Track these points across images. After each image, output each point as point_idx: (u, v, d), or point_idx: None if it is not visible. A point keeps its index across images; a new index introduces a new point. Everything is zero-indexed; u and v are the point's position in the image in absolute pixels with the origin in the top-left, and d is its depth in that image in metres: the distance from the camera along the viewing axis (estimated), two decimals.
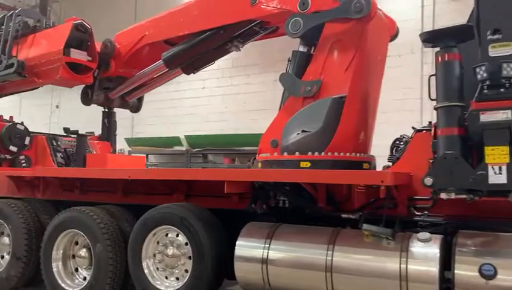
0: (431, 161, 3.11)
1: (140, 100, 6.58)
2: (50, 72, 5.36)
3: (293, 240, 3.41)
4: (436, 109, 3.17)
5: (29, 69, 5.52)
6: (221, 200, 4.26)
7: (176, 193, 4.47)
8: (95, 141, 6.23)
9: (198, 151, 12.42)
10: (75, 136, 5.92)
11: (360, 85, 4.07)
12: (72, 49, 5.35)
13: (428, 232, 3.10)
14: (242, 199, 4.17)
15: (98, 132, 6.44)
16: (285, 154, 3.99)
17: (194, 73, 5.64)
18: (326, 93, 4.04)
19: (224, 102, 13.71)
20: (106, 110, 6.56)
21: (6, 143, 5.21)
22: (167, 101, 15.19)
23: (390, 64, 11.91)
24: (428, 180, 2.96)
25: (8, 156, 5.22)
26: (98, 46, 5.72)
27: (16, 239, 4.74)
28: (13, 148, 5.26)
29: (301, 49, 4.38)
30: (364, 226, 3.19)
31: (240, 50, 5.20)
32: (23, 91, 6.42)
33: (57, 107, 16.18)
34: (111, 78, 6.02)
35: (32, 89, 6.38)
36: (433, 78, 3.40)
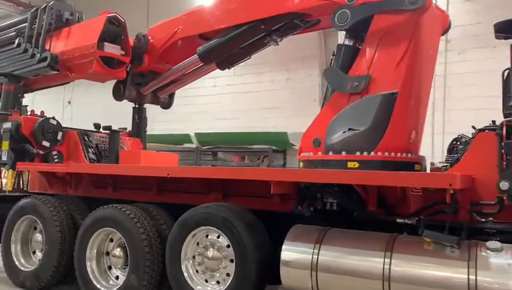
0: (504, 163, 2.80)
1: (171, 96, 6.37)
2: (83, 66, 5.16)
3: (345, 245, 3.14)
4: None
5: (62, 63, 5.33)
6: (262, 200, 4.01)
7: (214, 192, 4.23)
8: (126, 137, 6.03)
9: (208, 148, 12.20)
10: (105, 131, 5.75)
11: (413, 81, 3.77)
12: (105, 43, 5.15)
13: (497, 240, 2.81)
14: (284, 200, 3.91)
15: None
16: (331, 153, 3.73)
17: (229, 68, 5.40)
18: (375, 89, 3.76)
19: (235, 100, 13.47)
20: (137, 106, 6.36)
21: (39, 138, 5.02)
22: (178, 98, 14.83)
23: None
24: (504, 185, 2.67)
25: (40, 151, 5.04)
26: (131, 40, 5.52)
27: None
28: (46, 144, 5.07)
29: (347, 42, 4.10)
30: (426, 232, 2.91)
31: (278, 44, 4.93)
32: (54, 86, 6.26)
33: (69, 103, 16.09)
34: (143, 73, 5.81)
35: (64, 84, 6.21)
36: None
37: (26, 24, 5.72)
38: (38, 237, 4.77)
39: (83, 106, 15.33)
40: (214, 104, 13.60)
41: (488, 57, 10.77)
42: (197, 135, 12.64)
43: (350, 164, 3.64)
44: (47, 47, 5.34)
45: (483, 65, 10.63)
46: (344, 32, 4.16)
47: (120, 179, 4.81)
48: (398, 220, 3.23)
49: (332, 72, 4.04)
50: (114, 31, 5.28)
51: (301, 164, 4.00)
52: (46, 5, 5.55)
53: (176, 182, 4.44)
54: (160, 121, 13.76)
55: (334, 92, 3.99)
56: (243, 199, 4.08)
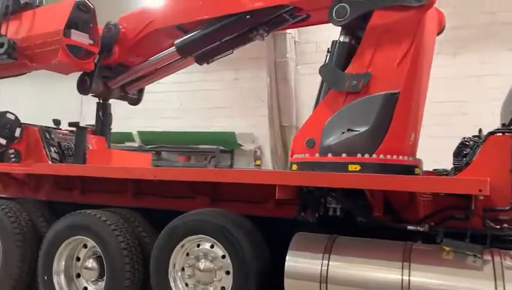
0: None
1: (141, 92, 5.84)
2: (46, 55, 4.54)
3: (357, 255, 2.85)
4: None
5: (21, 51, 4.67)
6: (254, 206, 3.66)
7: (200, 196, 3.81)
8: (90, 135, 5.44)
9: (152, 148, 11.68)
10: (69, 129, 5.14)
11: (414, 81, 3.56)
12: (72, 30, 4.57)
13: None
14: (279, 205, 3.58)
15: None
16: (330, 155, 3.44)
17: (208, 63, 4.97)
18: (375, 89, 3.51)
19: (180, 98, 12.96)
20: (101, 101, 5.77)
21: None
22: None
23: None
24: None
25: None
26: (100, 30, 4.96)
27: (6, 246, 3.93)
28: (2, 141, 4.42)
29: (342, 39, 3.83)
30: (446, 241, 2.68)
31: (263, 39, 4.59)
32: (8, 76, 5.52)
33: None
34: (111, 66, 5.26)
35: (21, 74, 5.50)
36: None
37: None
38: None
39: (12, 100, 14.07)
40: (158, 102, 12.61)
41: (449, 64, 10.92)
42: (140, 133, 12.02)
43: (351, 167, 3.37)
44: (3, 32, 4.66)
45: (446, 72, 10.67)
46: (337, 30, 3.90)
47: (89, 181, 4.26)
48: (410, 227, 2.99)
49: (328, 70, 3.75)
50: (82, 17, 4.70)
51: (294, 166, 3.67)
52: None
53: (156, 185, 3.97)
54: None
55: (330, 90, 3.71)
56: (233, 204, 3.69)
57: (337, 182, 2.95)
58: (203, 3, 4.50)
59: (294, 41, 11.85)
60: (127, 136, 11.99)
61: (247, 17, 4.29)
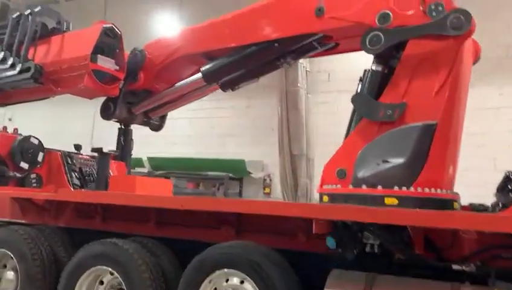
0: None
1: (163, 118, 5.74)
2: (72, 80, 4.48)
3: None
4: None
5: (47, 76, 4.62)
6: (283, 238, 3.46)
7: (225, 226, 3.62)
8: (111, 161, 5.32)
9: (161, 174, 11.53)
10: (90, 154, 5.04)
11: (452, 112, 3.40)
12: (99, 56, 4.51)
13: None
14: (310, 238, 3.38)
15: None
16: (364, 187, 3.26)
17: (232, 90, 4.87)
18: (411, 119, 3.36)
19: (191, 125, 12.92)
20: (123, 126, 5.68)
21: (17, 159, 4.25)
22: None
23: None
24: None
25: (17, 174, 4.26)
26: (126, 55, 4.91)
27: (25, 276, 3.76)
28: (24, 165, 4.30)
29: (375, 67, 3.70)
30: (499, 284, 2.46)
31: (290, 66, 4.49)
32: (32, 100, 5.47)
33: (10, 120, 14.90)
34: (136, 91, 5.19)
35: (43, 99, 5.44)
36: None
37: (5, 31, 4.99)
38: (10, 275, 3.94)
39: (25, 124, 14.02)
40: (169, 128, 12.77)
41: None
42: (150, 159, 11.90)
43: (388, 200, 3.18)
44: (30, 57, 4.62)
45: None
46: (371, 58, 3.78)
47: (111, 208, 4.10)
48: (455, 267, 2.77)
49: (362, 99, 3.61)
50: (109, 43, 4.66)
51: (326, 198, 3.49)
52: (31, 11, 4.85)
53: (179, 214, 3.80)
54: (109, 144, 12.70)
55: (363, 120, 3.55)
56: (260, 236, 3.50)
57: (381, 217, 2.75)
58: (230, 31, 4.43)
59: (306, 70, 11.83)
60: (137, 162, 11.87)
61: (275, 45, 4.20)
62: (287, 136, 12.95)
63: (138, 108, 5.20)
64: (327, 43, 4.22)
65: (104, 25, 4.53)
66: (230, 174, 11.60)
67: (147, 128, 12.40)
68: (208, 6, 12.57)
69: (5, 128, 4.63)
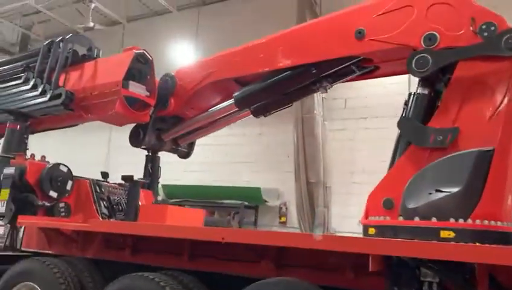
0: None
1: (192, 145, 5.56)
2: (103, 106, 4.34)
3: None
4: None
5: (77, 102, 4.50)
6: (327, 274, 3.17)
7: (265, 260, 3.35)
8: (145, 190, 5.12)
9: (175, 202, 11.24)
10: (117, 182, 4.85)
11: (510, 137, 3.14)
12: (130, 82, 4.38)
13: None
14: (359, 275, 3.08)
15: None
16: (417, 219, 2.98)
17: (265, 116, 4.67)
18: (465, 145, 3.09)
19: (205, 152, 12.65)
20: (150, 154, 5.50)
21: (46, 187, 4.07)
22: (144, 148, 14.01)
23: (378, 125, 11.08)
24: None
25: (46, 203, 4.07)
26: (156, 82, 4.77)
27: None
28: (53, 194, 4.12)
29: (420, 90, 3.48)
30: None
31: (326, 91, 4.28)
32: (61, 128, 5.35)
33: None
34: (165, 118, 5.02)
35: (73, 126, 5.32)
36: None
37: (36, 58, 4.92)
38: None
39: (39, 152, 13.98)
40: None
41: None
42: (164, 186, 11.67)
43: (444, 233, 2.89)
44: (61, 83, 4.51)
45: None
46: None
47: (142, 239, 3.87)
48: None
49: (409, 124, 3.37)
50: (140, 69, 4.53)
51: (372, 230, 3.21)
52: (62, 38, 4.78)
53: (214, 246, 3.55)
54: (124, 171, 12.52)
55: (411, 146, 3.30)
56: (303, 271, 3.22)
57: (453, 253, 2.46)
58: (264, 55, 4.27)
59: (322, 97, 11.65)
60: None
61: (312, 69, 4.01)
62: (304, 164, 12.64)
63: (168, 135, 5.03)
64: (366, 67, 4.02)
65: (136, 51, 4.40)
66: (246, 203, 11.31)
67: (160, 156, 12.23)
68: (222, 36, 12.69)
69: (32, 155, 4.48)
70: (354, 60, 3.87)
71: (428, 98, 3.44)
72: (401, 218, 3.06)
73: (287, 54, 4.07)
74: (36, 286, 3.66)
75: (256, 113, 4.60)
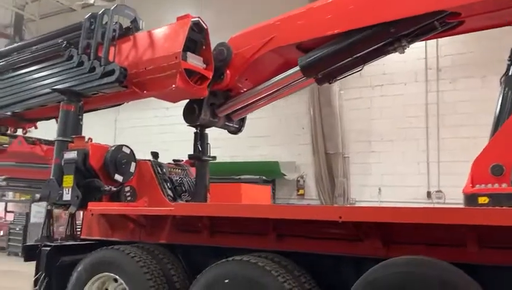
0: None
1: (243, 120, 5.13)
2: (162, 81, 3.90)
3: None
4: None
5: (130, 78, 4.06)
6: (444, 250, 2.81)
7: (371, 238, 2.98)
8: (191, 168, 4.74)
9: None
10: (169, 163, 4.45)
11: None
12: (188, 53, 3.93)
13: None
14: (483, 248, 2.73)
15: None
16: None
17: (330, 83, 4.27)
18: None
19: (218, 128, 12.34)
20: (198, 131, 5.08)
21: (111, 171, 3.68)
22: (155, 126, 13.65)
23: (395, 92, 10.86)
24: None
25: (113, 188, 3.69)
26: None
27: None
28: (118, 178, 3.73)
29: None
30: None
31: (403, 52, 3.86)
32: (109, 107, 4.91)
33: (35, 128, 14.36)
34: (217, 92, 4.59)
35: (120, 104, 4.88)
36: None
37: (75, 34, 4.44)
38: None
39: (45, 133, 13.59)
40: (192, 133, 12.16)
41: (477, 86, 10.51)
42: None
43: None
44: (111, 59, 4.05)
45: (473, 94, 10.45)
46: None
47: (220, 221, 3.51)
48: None
49: None
50: (195, 39, 4.08)
51: (484, 199, 2.88)
52: (105, 10, 4.29)
53: (304, 225, 3.19)
54: (138, 150, 12.08)
55: None
56: (413, 248, 2.87)
57: None
58: (335, 15, 3.83)
59: None
60: None
61: (391, 29, 3.58)
62: (321, 135, 12.36)
63: (222, 110, 4.60)
64: (450, 22, 3.60)
65: (192, 19, 3.93)
66: (263, 177, 11.01)
67: (171, 134, 11.69)
68: (227, 6, 12.02)
69: (90, 139, 4.06)
70: (442, 15, 3.45)
71: None
72: None
73: (362, 13, 3.64)
74: (116, 276, 3.30)
75: (322, 81, 4.20)
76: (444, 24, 3.60)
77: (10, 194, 14.19)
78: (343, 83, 11.55)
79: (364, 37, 3.69)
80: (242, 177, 11.14)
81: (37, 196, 3.72)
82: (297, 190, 12.71)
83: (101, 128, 13.56)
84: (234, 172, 11.07)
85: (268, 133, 12.51)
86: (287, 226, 3.30)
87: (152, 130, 13.57)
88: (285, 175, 12.27)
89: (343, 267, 3.02)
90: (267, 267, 2.73)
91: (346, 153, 12.16)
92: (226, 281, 2.74)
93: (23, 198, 14.26)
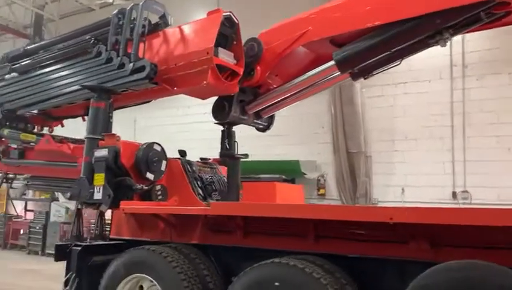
0: None
1: (272, 118, 4.99)
2: (193, 77, 3.79)
3: None
4: None
5: (160, 75, 3.97)
6: (494, 253, 2.65)
7: (415, 240, 2.83)
8: (220, 166, 4.64)
9: None
10: (197, 161, 4.35)
11: None
12: (220, 49, 3.82)
13: None
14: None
15: None
16: None
17: (365, 78, 4.11)
18: None
19: (236, 127, 12.21)
20: (226, 128, 4.97)
21: (143, 169, 3.60)
22: (172, 125, 13.75)
23: (419, 90, 10.58)
24: None
25: (145, 187, 3.60)
26: None
27: None
28: (150, 176, 3.65)
29: None
30: None
31: (445, 45, 3.67)
32: (136, 104, 4.84)
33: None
34: (245, 89, 4.47)
35: (148, 102, 4.80)
36: None
37: (103, 30, 4.37)
38: None
39: (65, 131, 13.61)
40: (212, 131, 12.11)
41: (504, 83, 10.18)
42: None
43: None
44: (141, 55, 3.97)
45: (500, 91, 10.11)
46: None
47: (255, 221, 3.39)
48: None
49: None
50: (226, 34, 3.96)
51: None
52: (133, 5, 4.21)
53: (344, 226, 3.05)
54: None
55: None
56: (461, 251, 2.70)
57: None
58: (373, 8, 3.66)
59: None
60: None
61: (436, 20, 3.40)
62: (343, 134, 12.15)
63: (252, 107, 4.48)
64: (497, 13, 3.40)
65: (224, 14, 3.82)
66: (283, 176, 10.86)
67: (189, 132, 11.43)
68: (245, 4, 11.93)
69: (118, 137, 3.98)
70: (490, 4, 3.26)
71: None
72: None
73: (406, 3, 3.47)
74: (149, 278, 3.21)
75: (357, 76, 4.04)
76: (489, 15, 3.41)
77: (30, 193, 14.33)
78: (364, 81, 11.35)
79: (407, 29, 3.52)
80: (261, 176, 11.01)
81: (68, 194, 3.65)
82: (318, 189, 12.58)
83: (120, 128, 13.67)
84: (253, 171, 10.95)
85: (288, 132, 12.38)
86: (327, 227, 3.17)
87: (171, 129, 13.59)
88: (305, 174, 12.11)
89: (386, 270, 2.88)
90: (307, 270, 2.60)
91: (368, 152, 11.95)
92: (276, 283, 2.61)
93: (42, 197, 14.41)
